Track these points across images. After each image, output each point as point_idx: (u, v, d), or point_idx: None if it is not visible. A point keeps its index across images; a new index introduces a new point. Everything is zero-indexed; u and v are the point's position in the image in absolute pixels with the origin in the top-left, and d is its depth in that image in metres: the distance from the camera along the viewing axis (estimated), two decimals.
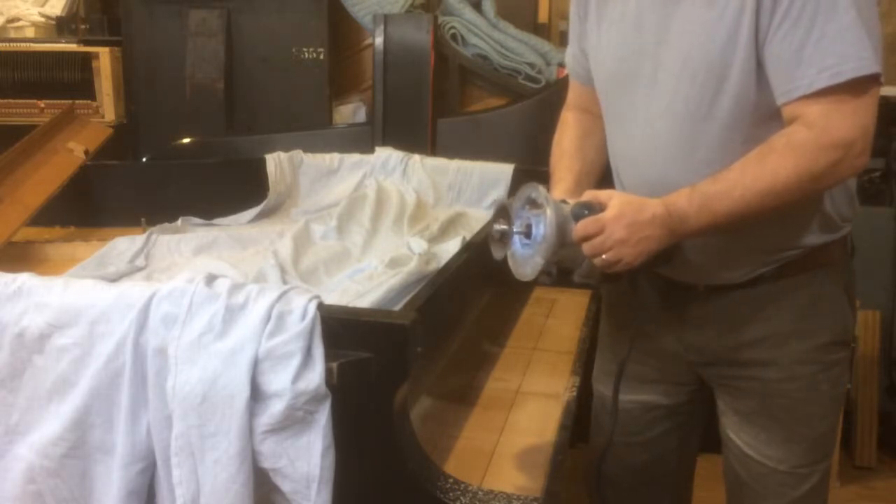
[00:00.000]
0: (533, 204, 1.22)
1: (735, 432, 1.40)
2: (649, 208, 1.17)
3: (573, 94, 1.56)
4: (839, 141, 1.11)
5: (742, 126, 1.21)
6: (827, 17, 1.10)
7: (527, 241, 1.21)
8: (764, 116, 1.20)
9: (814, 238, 1.28)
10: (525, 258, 1.23)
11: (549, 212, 1.17)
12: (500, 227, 1.25)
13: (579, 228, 1.17)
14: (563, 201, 1.24)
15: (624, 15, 1.30)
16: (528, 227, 1.21)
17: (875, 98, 1.12)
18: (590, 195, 1.22)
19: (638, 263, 1.18)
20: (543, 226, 1.18)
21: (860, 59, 1.10)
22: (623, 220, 1.16)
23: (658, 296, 1.39)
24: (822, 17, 1.10)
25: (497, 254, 1.27)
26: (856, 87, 1.11)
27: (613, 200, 1.18)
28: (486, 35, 2.82)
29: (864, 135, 1.12)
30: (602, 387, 1.59)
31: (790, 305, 1.31)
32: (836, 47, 1.10)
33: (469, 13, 2.84)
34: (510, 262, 1.26)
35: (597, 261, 1.18)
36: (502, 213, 1.25)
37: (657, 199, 1.19)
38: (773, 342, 1.32)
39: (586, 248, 1.18)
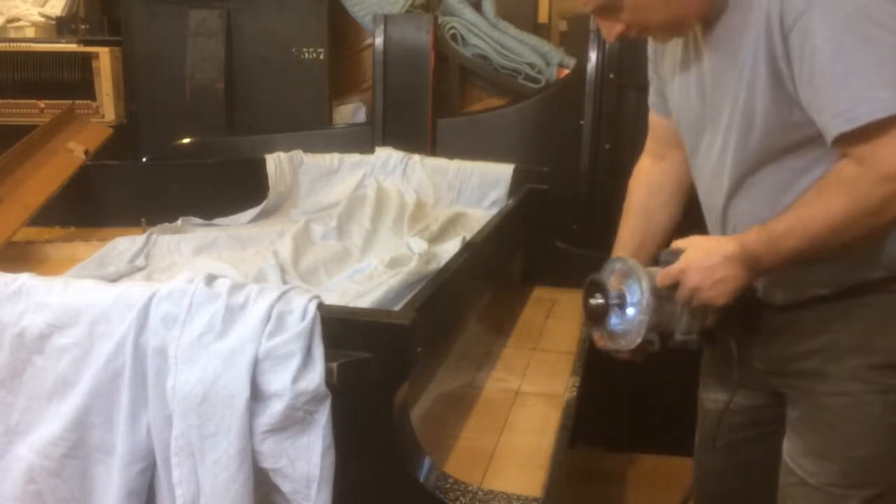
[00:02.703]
0: (620, 275, 1.29)
1: (785, 440, 1.38)
2: (720, 250, 1.20)
3: (651, 128, 1.58)
4: (890, 173, 1.09)
5: (787, 152, 1.22)
6: (856, 55, 1.09)
7: (621, 312, 1.28)
8: (799, 145, 1.21)
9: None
10: (624, 328, 1.28)
11: (641, 275, 1.24)
12: (596, 301, 1.29)
13: (660, 278, 1.23)
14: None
15: (688, 82, 1.35)
16: (622, 297, 1.27)
17: None
18: (674, 244, 1.27)
19: (723, 303, 1.21)
20: (639, 289, 1.24)
21: (881, 98, 1.07)
22: (693, 268, 1.20)
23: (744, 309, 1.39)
24: (850, 56, 1.09)
25: (594, 331, 1.33)
26: None
27: (687, 250, 1.23)
28: (486, 35, 2.82)
29: None
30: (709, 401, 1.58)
31: (856, 321, 1.28)
32: (872, 83, 1.08)
33: (469, 13, 2.84)
34: (604, 339, 1.32)
35: (691, 309, 1.23)
36: (595, 287, 1.30)
37: (732, 238, 1.22)
38: (830, 355, 1.29)
39: (677, 298, 1.23)
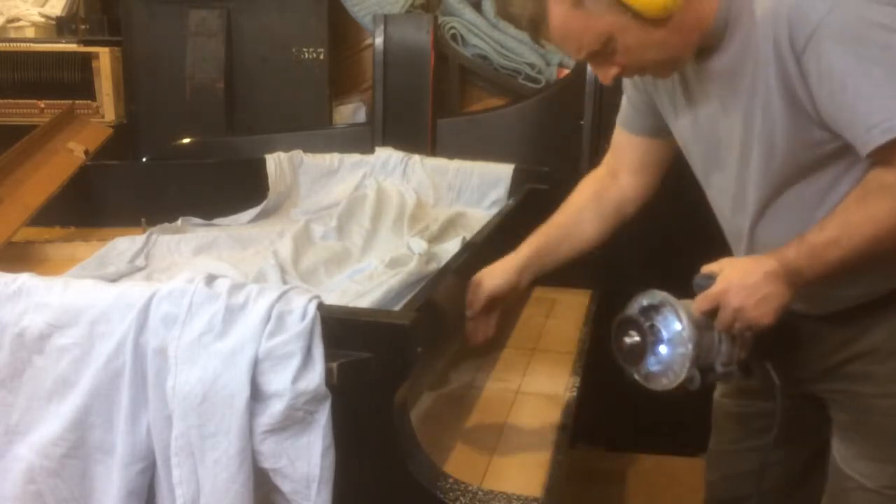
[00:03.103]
0: (650, 310, 1.21)
1: (835, 444, 1.38)
2: (759, 268, 1.17)
3: (613, 146, 1.54)
4: None
5: (813, 171, 1.21)
6: (866, 68, 1.08)
7: (657, 350, 1.20)
8: (826, 160, 1.19)
9: None
10: (663, 367, 1.20)
11: (676, 305, 1.18)
12: (633, 339, 1.21)
13: (697, 304, 1.18)
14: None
15: (693, 113, 1.32)
16: (658, 332, 1.20)
17: None
18: (705, 269, 1.22)
19: (769, 322, 1.17)
20: (676, 320, 1.18)
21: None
22: (734, 287, 1.16)
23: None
24: (875, 67, 1.08)
25: (632, 371, 1.23)
26: None
27: (724, 271, 1.19)
28: (486, 35, 2.82)
29: None
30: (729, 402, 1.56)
31: (893, 323, 1.27)
32: (884, 99, 1.07)
33: (469, 13, 2.84)
34: (642, 378, 1.23)
35: (730, 336, 1.19)
36: (628, 325, 1.22)
37: (769, 255, 1.18)
38: (874, 357, 1.29)
39: (716, 324, 1.18)
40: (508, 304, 1.47)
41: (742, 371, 1.24)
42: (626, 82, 1.46)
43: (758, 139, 1.21)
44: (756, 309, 1.16)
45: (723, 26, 1.19)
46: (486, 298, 1.44)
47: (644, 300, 1.22)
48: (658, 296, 1.21)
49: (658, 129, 1.43)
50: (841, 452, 1.35)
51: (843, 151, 1.15)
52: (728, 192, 1.32)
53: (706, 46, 1.21)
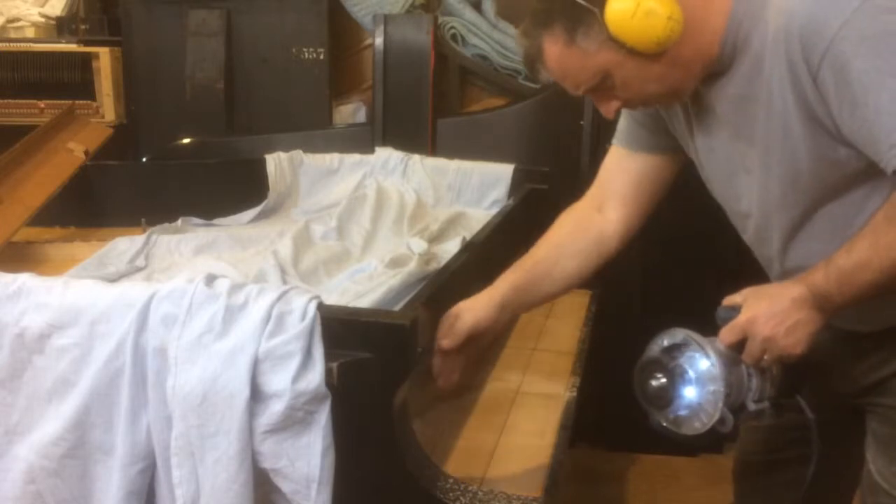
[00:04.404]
0: (674, 350, 1.15)
1: (871, 457, 1.33)
2: (787, 294, 1.12)
3: (601, 175, 1.47)
4: None
5: (841, 190, 1.17)
6: (885, 81, 1.03)
7: (684, 392, 1.13)
8: (854, 176, 1.15)
9: None
10: (693, 409, 1.13)
11: (702, 342, 1.12)
12: (659, 382, 1.14)
13: (723, 336, 1.13)
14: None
15: (708, 138, 1.28)
16: (684, 372, 1.13)
17: None
18: (727, 301, 1.17)
19: (801, 350, 1.11)
20: (703, 357, 1.11)
21: None
22: (762, 316, 1.11)
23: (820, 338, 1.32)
24: (881, 84, 1.03)
25: (659, 418, 1.16)
26: None
27: (748, 300, 1.14)
28: (486, 35, 2.82)
29: None
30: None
31: None
32: None
33: (469, 13, 2.84)
34: (671, 424, 1.16)
35: (763, 363, 1.13)
36: (653, 367, 1.15)
37: (795, 280, 1.14)
38: None
39: (744, 357, 1.13)
40: (481, 345, 1.35)
41: (774, 408, 1.18)
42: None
43: (779, 163, 1.17)
44: (787, 337, 1.11)
45: (731, 52, 1.16)
46: (466, 332, 1.29)
47: (665, 340, 1.16)
48: (680, 334, 1.14)
49: (664, 146, 1.38)
50: (879, 467, 1.31)
51: (872, 167, 1.10)
52: (752, 218, 1.28)
53: (715, 72, 1.18)
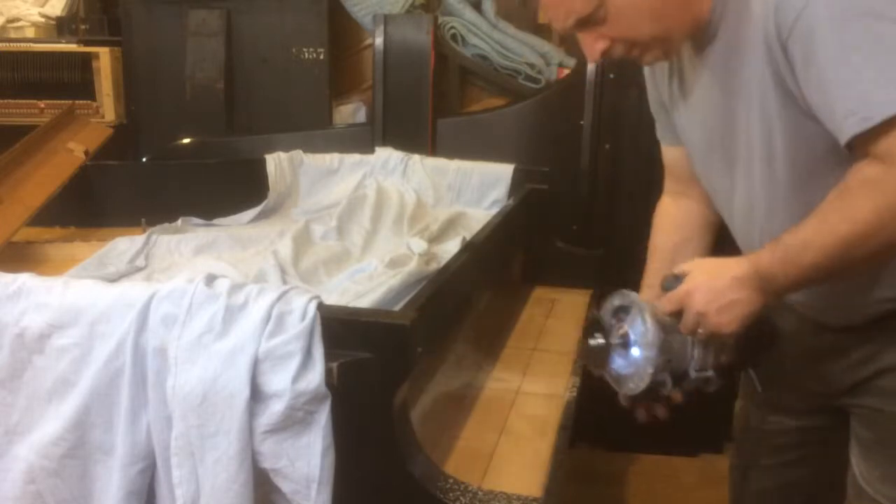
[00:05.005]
0: (622, 312, 1.18)
1: (856, 461, 1.30)
2: (729, 271, 1.11)
3: (667, 166, 1.48)
4: None
5: (815, 171, 1.15)
6: (859, 51, 1.02)
7: (626, 352, 1.17)
8: (831, 153, 1.12)
9: None
10: (630, 370, 1.17)
11: (642, 307, 1.14)
12: (596, 341, 1.19)
13: (663, 303, 1.14)
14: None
15: (692, 110, 1.29)
16: (625, 335, 1.17)
17: None
18: (677, 269, 1.17)
19: (733, 330, 1.11)
20: (641, 323, 1.14)
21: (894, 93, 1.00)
22: (699, 290, 1.11)
23: (798, 330, 1.32)
24: (853, 54, 1.02)
25: (596, 371, 1.21)
26: None
27: (692, 272, 1.14)
28: (486, 35, 2.82)
29: None
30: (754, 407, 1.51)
31: None
32: (880, 78, 1.01)
33: (469, 13, 2.84)
34: (612, 381, 1.20)
35: (699, 336, 1.13)
36: (594, 326, 1.20)
37: (743, 257, 1.13)
38: None
39: (681, 328, 1.14)
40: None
41: (721, 377, 1.19)
42: (651, 99, 1.42)
43: (758, 139, 1.17)
44: (719, 315, 1.11)
45: (717, 21, 1.15)
46: None
47: (614, 300, 1.19)
48: (628, 296, 1.18)
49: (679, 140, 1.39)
50: (863, 471, 1.29)
51: (839, 147, 1.08)
52: (734, 193, 1.27)
53: (702, 39, 1.18)
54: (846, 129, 1.03)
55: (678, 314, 1.14)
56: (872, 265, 1.10)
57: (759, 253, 1.12)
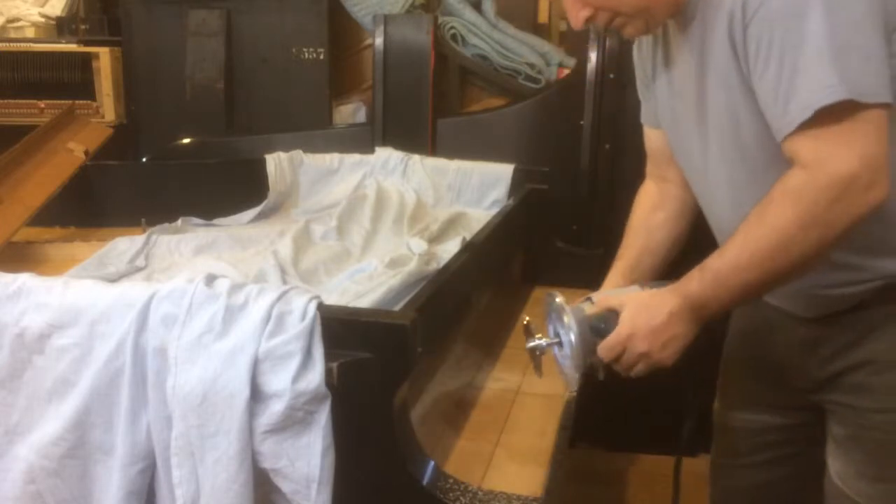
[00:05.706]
0: (554, 312, 1.27)
1: (830, 460, 1.31)
2: (664, 308, 1.14)
3: (648, 150, 1.50)
4: (836, 177, 1.00)
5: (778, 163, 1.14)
6: (795, 52, 1.02)
7: (560, 348, 1.28)
8: None
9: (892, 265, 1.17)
10: (564, 367, 1.29)
11: (566, 317, 1.23)
12: (534, 343, 1.31)
13: (603, 351, 1.20)
14: (588, 298, 1.28)
15: (670, 89, 1.31)
16: (557, 335, 1.28)
17: (878, 123, 1.01)
18: (604, 303, 1.23)
19: (672, 361, 1.17)
20: (570, 336, 1.23)
21: (826, 87, 0.99)
22: (639, 333, 1.15)
23: (773, 323, 1.35)
24: (790, 54, 1.02)
25: (537, 372, 1.33)
26: (844, 115, 1.00)
27: (625, 312, 1.18)
28: (486, 35, 2.82)
29: (869, 165, 1.00)
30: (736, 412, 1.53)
31: (892, 333, 1.21)
32: (804, 80, 1.01)
33: (469, 13, 2.84)
34: (560, 369, 1.32)
35: (632, 373, 1.20)
36: (529, 330, 1.32)
37: (670, 290, 1.16)
38: (871, 369, 1.22)
39: (617, 368, 1.20)
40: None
41: (606, 367, 1.27)
42: (638, 81, 1.44)
43: (727, 120, 1.17)
44: (661, 352, 1.15)
45: (694, 3, 1.16)
46: None
47: (557, 297, 1.28)
48: (554, 304, 1.27)
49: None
50: (837, 469, 1.29)
51: None
52: (707, 174, 1.27)
53: (685, 15, 1.18)
54: (782, 129, 1.04)
55: (609, 319, 1.20)
56: (798, 274, 1.10)
57: (687, 283, 1.14)
